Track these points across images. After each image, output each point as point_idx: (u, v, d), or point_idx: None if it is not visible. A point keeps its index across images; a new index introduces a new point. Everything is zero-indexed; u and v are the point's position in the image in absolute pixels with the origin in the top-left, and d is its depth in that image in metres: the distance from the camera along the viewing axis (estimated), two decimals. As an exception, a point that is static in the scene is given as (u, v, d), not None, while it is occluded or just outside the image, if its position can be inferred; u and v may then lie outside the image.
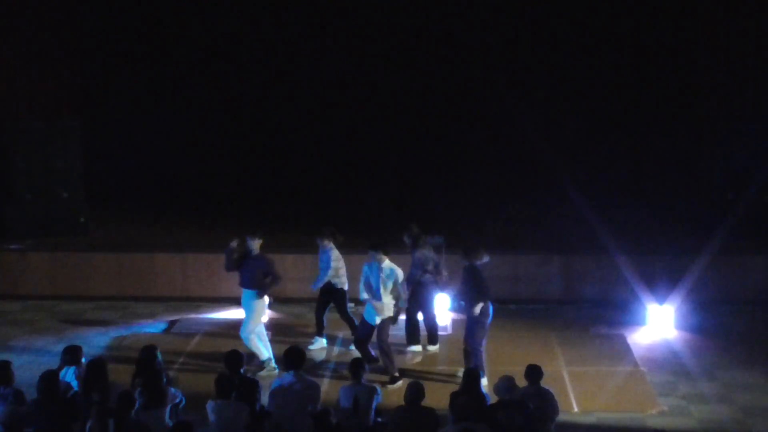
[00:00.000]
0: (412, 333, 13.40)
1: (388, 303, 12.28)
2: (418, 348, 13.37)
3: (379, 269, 12.25)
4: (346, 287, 13.41)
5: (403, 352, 13.20)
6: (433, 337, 13.52)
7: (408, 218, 13.83)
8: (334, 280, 13.32)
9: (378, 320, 12.30)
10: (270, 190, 20.23)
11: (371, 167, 20.17)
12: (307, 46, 20.43)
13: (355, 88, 20.41)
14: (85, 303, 15.78)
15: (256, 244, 12.55)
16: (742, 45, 17.72)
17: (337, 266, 13.26)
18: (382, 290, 12.21)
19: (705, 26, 18.82)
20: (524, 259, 15.93)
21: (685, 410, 11.48)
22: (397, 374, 12.25)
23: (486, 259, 12.03)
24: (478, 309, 11.76)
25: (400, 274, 12.26)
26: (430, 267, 13.15)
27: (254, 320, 12.50)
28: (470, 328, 11.88)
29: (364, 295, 12.43)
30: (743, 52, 17.72)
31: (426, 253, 13.08)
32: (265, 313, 12.86)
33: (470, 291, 11.83)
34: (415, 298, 13.16)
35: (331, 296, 13.46)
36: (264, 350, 12.58)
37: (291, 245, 15.85)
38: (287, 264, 15.08)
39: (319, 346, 13.56)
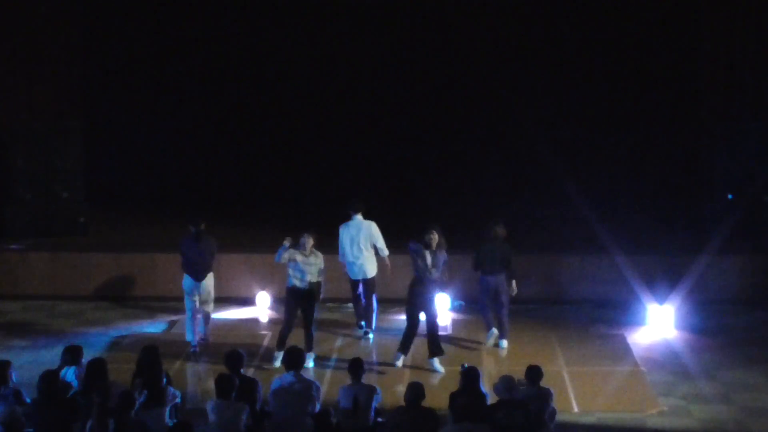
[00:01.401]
0: (409, 339, 12.84)
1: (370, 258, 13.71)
2: (402, 360, 12.80)
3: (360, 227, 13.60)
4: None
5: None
6: (435, 345, 12.86)
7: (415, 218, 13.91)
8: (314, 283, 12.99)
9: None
10: (270, 189, 20.24)
11: (371, 168, 20.16)
12: (307, 46, 20.42)
13: (355, 88, 20.40)
14: (85, 303, 15.79)
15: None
16: (742, 45, 17.72)
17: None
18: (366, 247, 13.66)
19: (705, 26, 18.80)
20: (524, 259, 15.90)
21: (685, 410, 11.48)
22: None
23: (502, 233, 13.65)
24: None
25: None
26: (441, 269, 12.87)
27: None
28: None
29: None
30: (743, 52, 17.71)
31: (444, 255, 12.83)
32: (188, 288, 13.36)
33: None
34: (421, 297, 12.80)
35: (307, 300, 12.98)
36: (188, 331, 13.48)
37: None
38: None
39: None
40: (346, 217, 13.94)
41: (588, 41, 19.67)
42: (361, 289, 14.03)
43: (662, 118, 19.52)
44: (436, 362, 12.70)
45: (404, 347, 12.85)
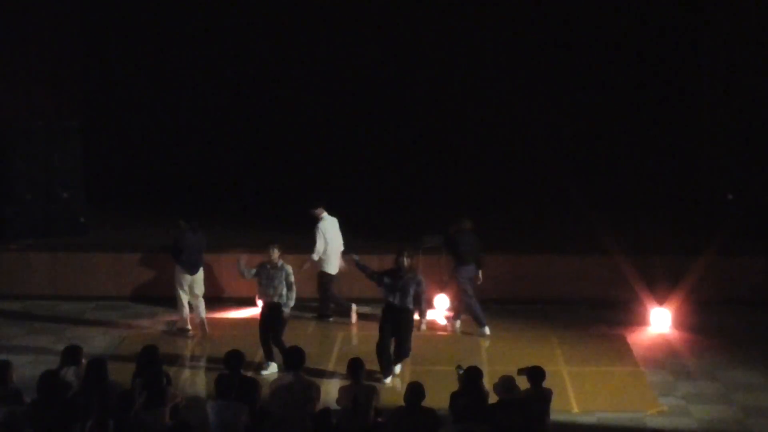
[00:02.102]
0: (383, 361, 12.48)
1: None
2: (390, 379, 12.49)
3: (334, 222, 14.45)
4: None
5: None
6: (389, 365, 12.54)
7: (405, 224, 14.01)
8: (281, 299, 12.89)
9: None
10: (271, 189, 20.21)
11: (370, 167, 20.14)
12: (307, 45, 20.39)
13: (355, 87, 20.36)
14: (85, 303, 15.79)
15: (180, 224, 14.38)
16: (742, 45, 17.71)
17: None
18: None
19: (705, 26, 18.81)
20: (524, 259, 15.94)
21: (685, 410, 11.50)
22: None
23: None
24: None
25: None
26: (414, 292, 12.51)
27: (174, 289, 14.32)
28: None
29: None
30: (743, 52, 17.70)
31: (418, 278, 12.54)
32: (183, 281, 14.17)
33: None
34: (387, 324, 12.52)
35: (274, 315, 12.93)
36: (181, 312, 14.31)
37: (289, 245, 15.80)
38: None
39: (271, 371, 12.79)
40: (312, 217, 14.52)
41: (588, 41, 19.65)
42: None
43: (662, 118, 19.50)
44: (388, 380, 12.37)
45: (384, 369, 12.44)
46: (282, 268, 12.79)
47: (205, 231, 14.88)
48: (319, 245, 14.33)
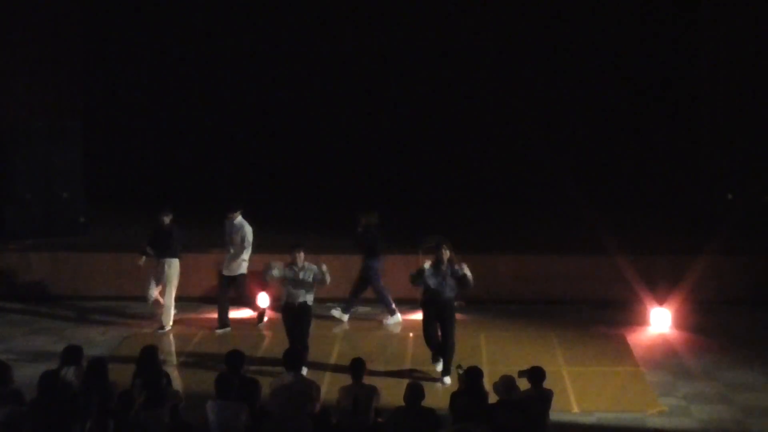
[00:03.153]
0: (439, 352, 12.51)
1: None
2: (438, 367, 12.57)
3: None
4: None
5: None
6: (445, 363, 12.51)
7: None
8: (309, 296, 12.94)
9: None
10: (271, 189, 20.22)
11: (370, 168, 20.15)
12: (307, 46, 20.41)
13: (354, 89, 20.37)
14: (85, 303, 15.79)
15: (166, 219, 14.35)
16: (742, 44, 17.70)
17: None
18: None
19: (705, 25, 18.81)
20: (524, 259, 15.93)
21: (685, 410, 11.49)
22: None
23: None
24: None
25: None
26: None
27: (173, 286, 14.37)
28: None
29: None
30: (743, 52, 17.69)
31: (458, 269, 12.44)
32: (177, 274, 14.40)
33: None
34: (426, 316, 12.52)
35: (301, 317, 12.89)
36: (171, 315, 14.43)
37: (286, 246, 15.78)
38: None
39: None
40: (222, 222, 14.62)
41: (588, 41, 19.65)
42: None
43: (662, 117, 19.51)
44: (447, 379, 12.32)
45: (444, 366, 12.46)
46: (309, 268, 12.77)
47: (205, 231, 14.92)
48: (249, 247, 14.44)
